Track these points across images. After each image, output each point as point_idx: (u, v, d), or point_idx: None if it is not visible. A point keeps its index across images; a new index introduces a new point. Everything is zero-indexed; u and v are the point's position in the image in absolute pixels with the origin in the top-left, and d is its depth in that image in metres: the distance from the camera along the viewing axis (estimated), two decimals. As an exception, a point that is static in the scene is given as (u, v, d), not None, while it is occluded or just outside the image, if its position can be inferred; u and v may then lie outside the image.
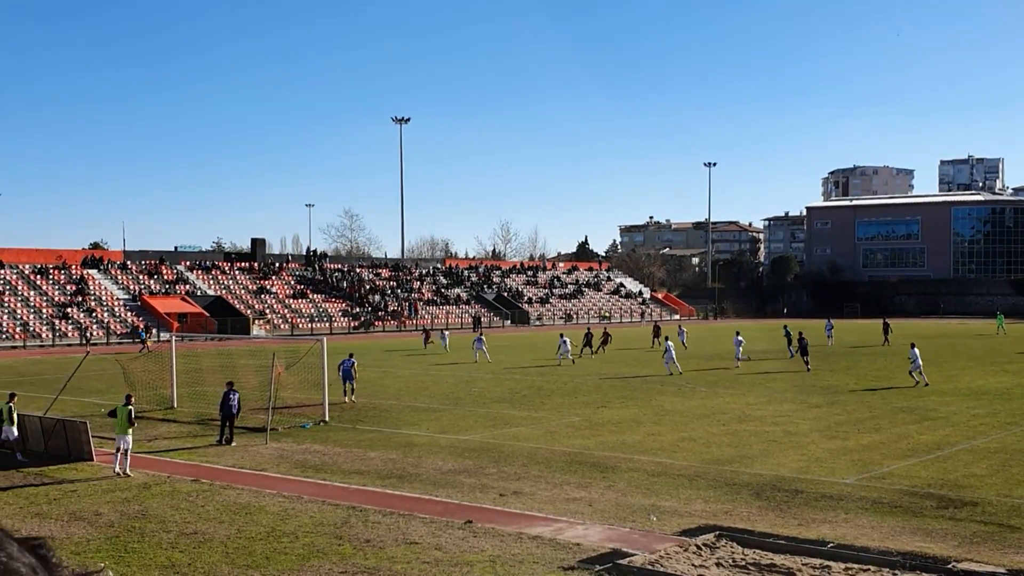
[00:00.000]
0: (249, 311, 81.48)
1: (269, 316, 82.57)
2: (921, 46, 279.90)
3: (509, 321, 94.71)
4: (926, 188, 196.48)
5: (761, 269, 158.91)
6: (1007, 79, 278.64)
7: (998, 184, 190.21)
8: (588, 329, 56.30)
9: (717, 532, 14.62)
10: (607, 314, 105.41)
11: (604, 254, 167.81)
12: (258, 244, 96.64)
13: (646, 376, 39.70)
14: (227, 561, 13.44)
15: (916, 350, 35.65)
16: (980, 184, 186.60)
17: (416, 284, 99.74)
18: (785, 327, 50.92)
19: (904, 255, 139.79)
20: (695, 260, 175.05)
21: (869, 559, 13.17)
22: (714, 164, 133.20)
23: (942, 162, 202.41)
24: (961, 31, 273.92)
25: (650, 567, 12.84)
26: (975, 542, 14.23)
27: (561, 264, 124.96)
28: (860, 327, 74.42)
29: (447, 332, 58.25)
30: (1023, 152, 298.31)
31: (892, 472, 19.48)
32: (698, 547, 13.90)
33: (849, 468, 19.93)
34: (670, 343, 41.75)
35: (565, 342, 46.03)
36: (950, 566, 12.80)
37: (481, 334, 52.36)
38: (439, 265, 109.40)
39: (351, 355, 32.77)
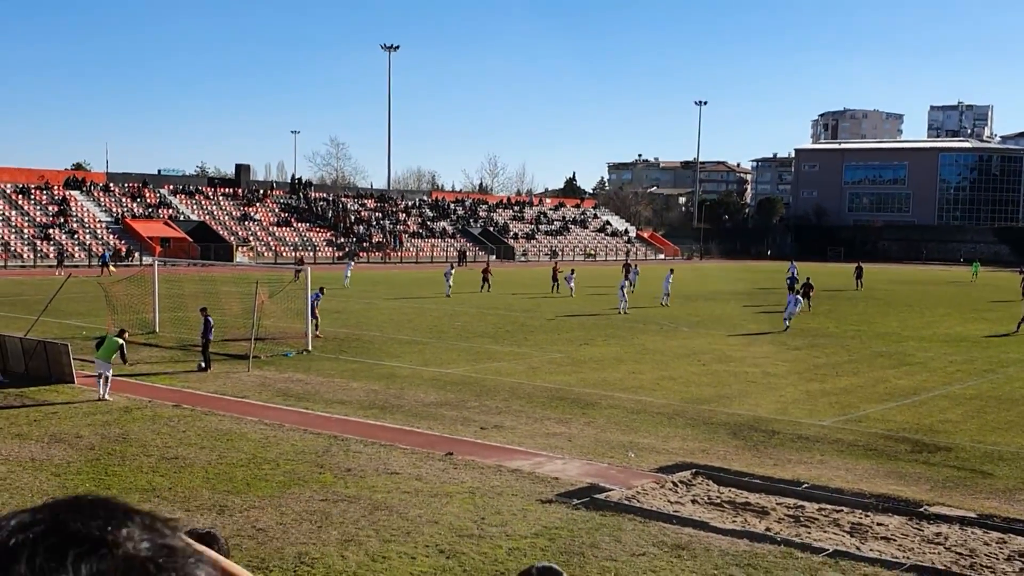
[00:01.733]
0: (233, 237, 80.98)
1: (252, 243, 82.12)
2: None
3: (495, 256, 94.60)
4: (915, 133, 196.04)
5: (747, 210, 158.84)
6: (999, 26, 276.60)
7: (986, 131, 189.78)
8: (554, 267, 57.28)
9: (693, 470, 14.81)
10: (592, 252, 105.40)
11: (591, 191, 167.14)
12: (242, 170, 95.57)
13: (627, 315, 39.87)
14: (208, 486, 13.52)
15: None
16: (968, 131, 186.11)
17: (402, 216, 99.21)
18: (791, 272, 47.36)
19: (890, 200, 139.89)
20: (682, 200, 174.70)
21: (842, 500, 13.39)
22: (704, 103, 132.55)
23: (932, 107, 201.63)
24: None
25: (627, 502, 13.01)
26: (947, 486, 14.46)
27: (548, 200, 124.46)
28: (838, 271, 74.63)
29: (352, 262, 56.52)
30: (1013, 99, 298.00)
31: (868, 415, 19.73)
32: (674, 484, 14.08)
33: (826, 410, 20.16)
34: (625, 281, 44.18)
35: (568, 277, 50.51)
36: (922, 509, 13.03)
37: (452, 268, 52.38)
38: (425, 198, 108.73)
39: (321, 289, 31.58)
